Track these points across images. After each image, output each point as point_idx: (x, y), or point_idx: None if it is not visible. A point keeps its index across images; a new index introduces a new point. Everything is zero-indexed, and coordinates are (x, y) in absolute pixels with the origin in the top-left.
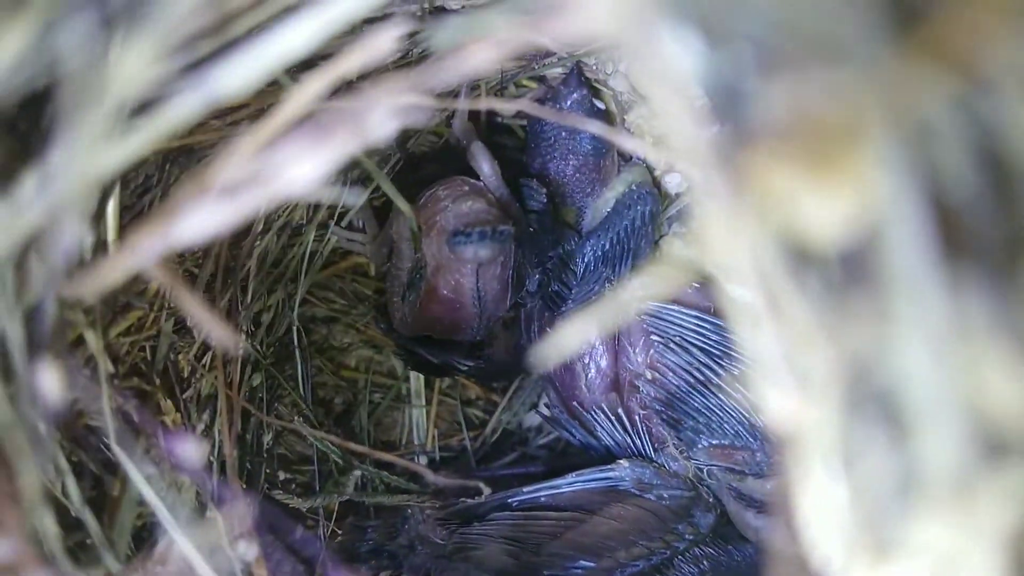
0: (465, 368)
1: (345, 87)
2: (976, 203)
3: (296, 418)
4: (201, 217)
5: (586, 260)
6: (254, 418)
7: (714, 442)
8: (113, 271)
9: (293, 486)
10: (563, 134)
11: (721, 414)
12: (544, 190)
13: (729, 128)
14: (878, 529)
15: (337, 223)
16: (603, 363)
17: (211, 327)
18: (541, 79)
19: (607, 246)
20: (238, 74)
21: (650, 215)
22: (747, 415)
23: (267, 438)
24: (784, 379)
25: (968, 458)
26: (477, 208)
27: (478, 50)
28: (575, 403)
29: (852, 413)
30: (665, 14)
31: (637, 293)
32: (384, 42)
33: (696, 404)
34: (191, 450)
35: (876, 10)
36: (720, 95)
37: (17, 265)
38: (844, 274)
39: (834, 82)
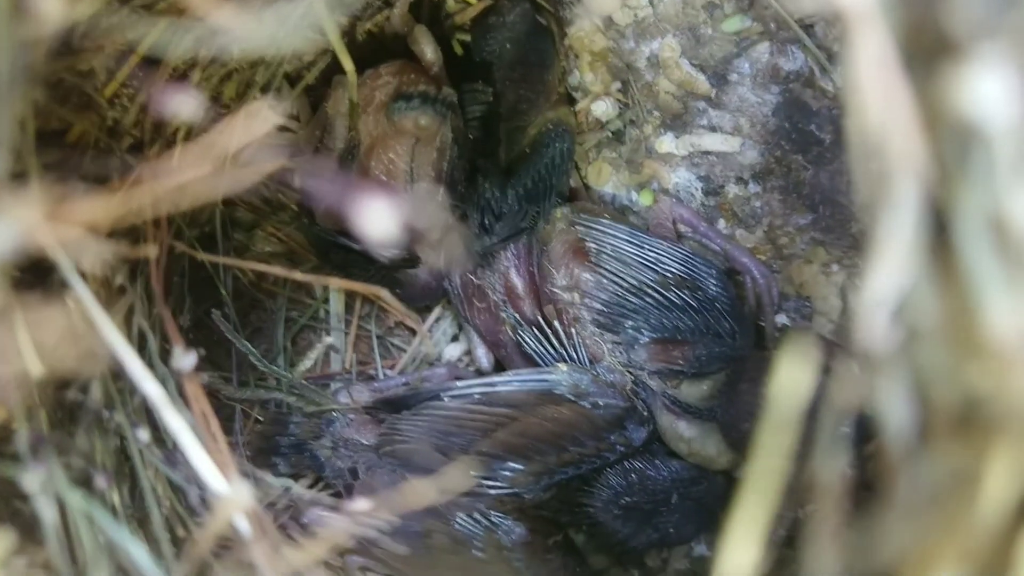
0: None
1: None
2: None
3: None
4: None
5: (509, 201)
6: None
7: (655, 336)
8: None
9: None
10: (508, 46)
11: (659, 310)
12: (490, 89)
13: None
14: None
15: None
16: (527, 309)
17: None
18: None
19: (529, 184)
20: None
21: (568, 152)
22: (682, 313)
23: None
24: None
25: None
26: (421, 81)
27: None
28: (503, 351)
29: None
30: None
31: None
32: None
33: (634, 303)
34: (186, 100)
35: None
36: None
37: None
38: None
39: None
